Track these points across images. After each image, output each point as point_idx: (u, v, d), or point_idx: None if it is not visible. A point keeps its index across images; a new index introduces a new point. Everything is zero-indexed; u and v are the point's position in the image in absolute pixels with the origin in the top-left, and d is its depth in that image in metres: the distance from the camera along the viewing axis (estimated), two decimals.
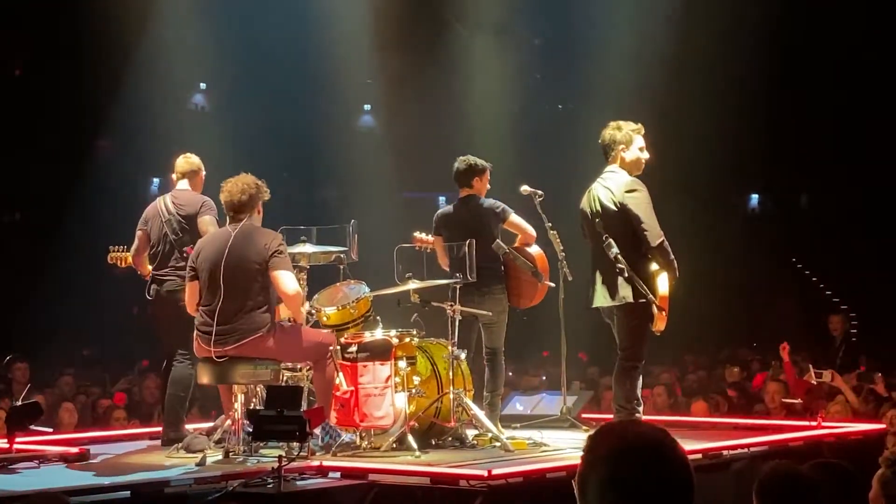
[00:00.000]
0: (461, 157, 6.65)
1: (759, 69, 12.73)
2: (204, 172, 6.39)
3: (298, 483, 5.17)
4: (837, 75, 13.10)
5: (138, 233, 6.39)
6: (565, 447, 5.88)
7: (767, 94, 12.63)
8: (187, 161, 6.36)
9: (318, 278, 6.60)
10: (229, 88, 12.09)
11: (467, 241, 6.19)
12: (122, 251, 6.56)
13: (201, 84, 12.54)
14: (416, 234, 6.56)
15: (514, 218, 6.52)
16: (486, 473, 5.02)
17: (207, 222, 6.03)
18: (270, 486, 4.85)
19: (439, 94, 11.69)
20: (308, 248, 6.32)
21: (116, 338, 11.04)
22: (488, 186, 6.60)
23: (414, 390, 6.08)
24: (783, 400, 8.28)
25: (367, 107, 13.16)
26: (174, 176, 6.49)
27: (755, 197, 16.43)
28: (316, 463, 5.45)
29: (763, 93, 12.56)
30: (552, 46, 11.91)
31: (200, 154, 6.52)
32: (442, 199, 10.95)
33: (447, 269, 6.53)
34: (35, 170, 12.29)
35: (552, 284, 6.54)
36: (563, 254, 6.55)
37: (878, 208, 13.63)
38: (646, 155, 5.87)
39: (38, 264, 11.80)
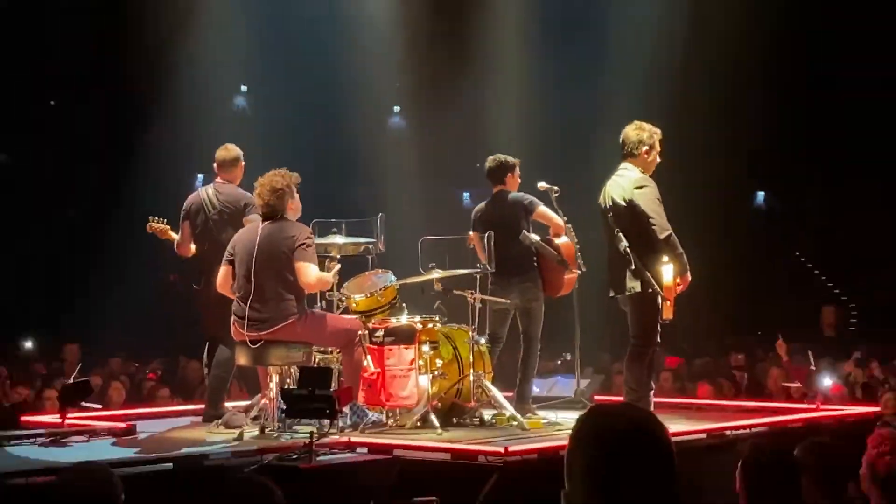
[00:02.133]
0: (491, 156, 6.70)
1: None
2: (243, 163, 6.26)
3: (328, 458, 5.22)
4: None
5: (182, 225, 6.39)
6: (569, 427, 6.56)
7: (775, 97, 12.13)
8: (227, 150, 6.32)
9: (348, 269, 6.58)
10: (269, 91, 12.16)
11: (487, 234, 6.29)
12: (163, 223, 6.34)
13: (242, 87, 12.64)
14: None
15: (542, 209, 6.49)
16: (502, 450, 5.10)
17: (252, 220, 6.03)
18: (302, 460, 4.91)
19: (465, 96, 11.62)
20: (339, 239, 6.35)
21: (161, 323, 11.11)
22: (519, 181, 6.65)
23: (436, 372, 6.20)
24: (783, 384, 8.14)
25: (396, 108, 13.01)
26: (215, 165, 6.48)
27: (761, 194, 15.83)
28: (344, 439, 5.55)
29: (771, 95, 12.07)
30: (570, 52, 11.44)
31: (251, 161, 6.44)
32: (466, 195, 11.09)
33: (486, 263, 6.44)
34: (86, 168, 12.48)
35: (579, 272, 6.33)
36: (578, 246, 6.47)
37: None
38: (658, 158, 6.05)
39: (93, 255, 11.72)
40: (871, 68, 12.30)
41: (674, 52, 10.97)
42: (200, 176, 10.72)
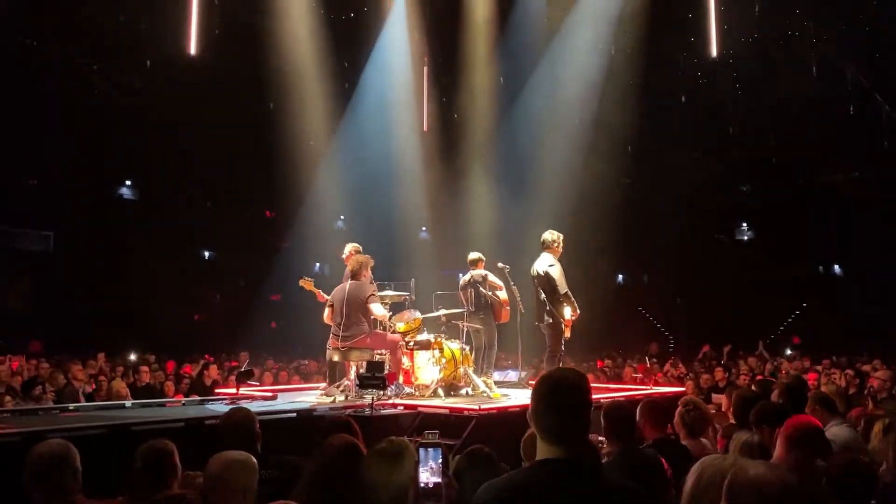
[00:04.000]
0: (471, 252, 8.74)
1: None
2: (364, 261, 7.86)
3: (382, 412, 6.75)
4: None
5: (328, 303, 7.87)
6: (520, 398, 7.60)
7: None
8: (355, 259, 7.91)
9: (395, 309, 8.43)
10: (353, 217, 15.76)
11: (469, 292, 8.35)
12: (308, 281, 8.35)
13: (341, 216, 16.55)
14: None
15: (492, 279, 8.45)
16: (478, 408, 6.62)
17: (373, 307, 7.61)
18: (368, 412, 6.49)
19: (463, 213, 14.88)
20: (389, 292, 8.17)
21: (294, 338, 13.92)
22: (483, 265, 8.66)
23: (442, 366, 7.84)
24: (632, 375, 11.14)
25: (423, 228, 17.07)
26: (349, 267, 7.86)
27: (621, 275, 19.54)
28: (391, 402, 7.09)
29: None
30: (516, 182, 14.66)
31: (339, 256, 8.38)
32: (461, 274, 14.69)
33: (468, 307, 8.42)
34: (243, 258, 16.72)
35: (509, 311, 8.49)
36: (519, 296, 8.54)
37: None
38: (561, 250, 8.06)
39: (255, 300, 15.53)
40: None
41: (567, 192, 13.83)
42: (318, 264, 15.02)
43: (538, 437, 2.23)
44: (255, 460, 3.24)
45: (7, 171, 13.39)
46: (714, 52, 12.25)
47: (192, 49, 12.03)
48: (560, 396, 2.21)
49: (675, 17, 13.42)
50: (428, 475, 2.28)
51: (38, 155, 13.67)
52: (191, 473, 3.50)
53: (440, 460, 2.29)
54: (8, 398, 7.35)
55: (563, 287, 7.74)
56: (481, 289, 8.17)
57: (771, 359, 11.98)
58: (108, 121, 13.59)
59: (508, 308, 8.25)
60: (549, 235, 8.04)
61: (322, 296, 8.13)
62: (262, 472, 3.30)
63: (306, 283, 8.28)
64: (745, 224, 18.25)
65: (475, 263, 8.39)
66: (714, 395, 9.08)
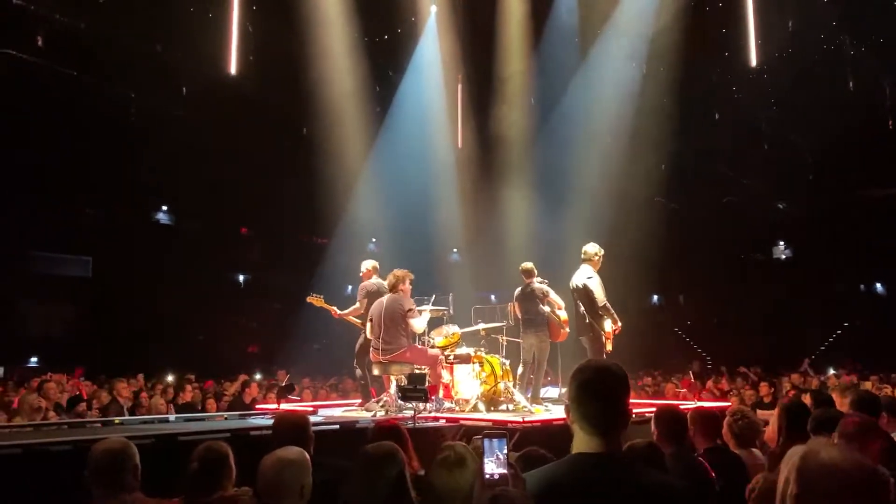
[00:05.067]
0: (523, 264, 8.61)
1: None
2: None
3: (424, 424, 6.67)
4: None
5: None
6: (562, 413, 8.56)
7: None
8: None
9: (433, 323, 8.48)
10: (386, 238, 15.83)
11: (509, 304, 8.38)
12: (318, 298, 8.34)
13: (373, 238, 16.56)
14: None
15: (552, 297, 8.34)
16: (521, 420, 6.58)
17: (413, 321, 7.61)
18: (410, 425, 6.32)
19: (495, 234, 14.76)
20: (428, 307, 8.15)
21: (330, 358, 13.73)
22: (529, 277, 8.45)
23: (482, 380, 7.83)
24: (676, 391, 11.09)
25: (454, 250, 17.22)
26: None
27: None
28: (433, 415, 7.05)
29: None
30: (551, 198, 14.65)
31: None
32: (493, 296, 13.67)
33: (513, 321, 8.44)
34: (278, 280, 16.90)
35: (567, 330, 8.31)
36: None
37: None
38: (601, 262, 7.95)
39: (293, 317, 14.76)
40: None
41: (602, 209, 13.74)
42: (349, 286, 14.64)
43: (576, 428, 2.22)
44: (308, 457, 3.26)
45: (48, 198, 13.81)
46: (753, 62, 12.11)
47: (233, 69, 12.36)
48: (602, 384, 2.19)
49: (709, 33, 13.44)
50: (493, 466, 2.23)
51: (78, 183, 14.03)
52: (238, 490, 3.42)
53: (505, 451, 2.23)
54: (53, 414, 7.40)
55: (602, 299, 7.69)
56: (540, 305, 8.12)
57: (815, 376, 11.71)
58: (145, 147, 13.97)
59: (566, 330, 8.22)
60: (591, 248, 7.99)
61: (335, 311, 8.24)
62: (314, 476, 3.30)
63: (315, 300, 8.31)
64: (782, 242, 17.86)
65: (528, 273, 8.36)
66: (759, 411, 8.83)
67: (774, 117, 14.57)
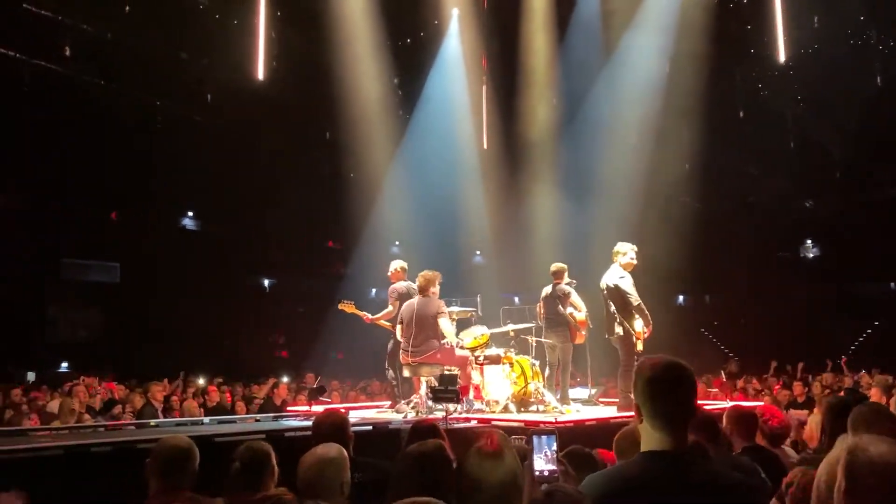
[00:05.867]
0: (553, 264, 8.58)
1: None
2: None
3: (455, 425, 6.65)
4: None
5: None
6: (592, 414, 7.59)
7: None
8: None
9: (462, 325, 8.55)
10: (409, 241, 15.75)
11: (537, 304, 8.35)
12: (349, 304, 8.43)
13: (396, 241, 16.51)
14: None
15: (573, 298, 8.36)
16: (554, 420, 6.59)
17: (442, 323, 7.62)
18: (443, 426, 5.53)
19: (519, 235, 14.69)
20: (455, 308, 8.20)
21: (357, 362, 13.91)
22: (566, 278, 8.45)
23: (512, 380, 7.80)
24: (707, 390, 11.01)
25: (477, 252, 17.22)
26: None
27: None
28: (463, 416, 7.06)
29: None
30: (577, 197, 14.44)
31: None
32: (516, 298, 13.50)
33: (540, 321, 8.43)
34: (303, 285, 17.25)
35: (585, 332, 8.37)
36: (588, 314, 8.36)
37: None
38: (634, 262, 7.87)
39: (318, 322, 14.91)
40: None
41: (639, 194, 13.78)
42: (374, 290, 15.02)
43: (644, 426, 2.20)
44: (346, 455, 3.28)
45: (76, 206, 14.06)
46: (781, 58, 11.97)
47: (260, 75, 12.47)
48: (672, 381, 2.19)
49: (735, 29, 13.17)
50: (543, 462, 2.24)
51: (105, 190, 14.30)
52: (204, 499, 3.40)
53: (554, 448, 2.25)
54: (87, 416, 7.51)
55: (635, 298, 7.61)
56: (560, 306, 8.14)
57: (850, 374, 11.53)
58: (171, 154, 14.12)
59: (584, 333, 8.26)
60: (622, 247, 7.91)
61: (367, 316, 8.29)
62: (355, 475, 3.31)
63: (346, 307, 8.39)
64: (809, 241, 17.61)
65: (558, 275, 8.38)
66: (793, 411, 8.75)
67: (801, 114, 14.35)
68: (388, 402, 8.50)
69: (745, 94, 14.45)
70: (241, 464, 3.46)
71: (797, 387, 9.98)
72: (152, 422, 7.15)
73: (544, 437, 2.28)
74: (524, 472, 2.31)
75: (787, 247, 17.88)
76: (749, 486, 2.20)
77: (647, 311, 7.61)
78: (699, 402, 9.00)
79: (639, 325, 7.61)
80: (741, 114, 14.65)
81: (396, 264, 8.54)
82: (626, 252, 7.85)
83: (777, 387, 9.97)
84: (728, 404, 8.18)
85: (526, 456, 2.31)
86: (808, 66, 13.34)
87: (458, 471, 2.82)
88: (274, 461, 3.50)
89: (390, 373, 8.26)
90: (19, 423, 7.16)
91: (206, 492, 3.52)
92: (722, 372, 11.40)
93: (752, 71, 13.89)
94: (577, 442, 6.08)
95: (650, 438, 2.17)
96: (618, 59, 13.57)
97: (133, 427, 7.00)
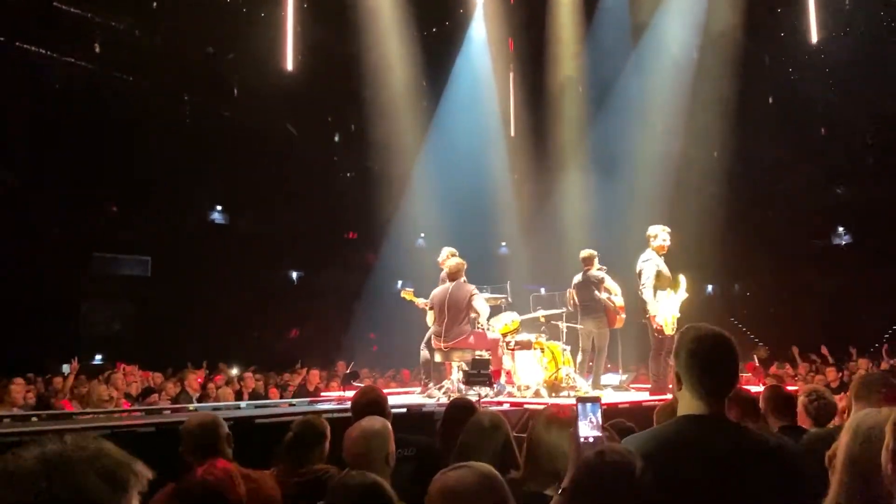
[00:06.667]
0: (583, 250, 8.69)
1: None
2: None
3: (489, 409, 6.27)
4: None
5: (428, 306, 8.13)
6: (620, 397, 7.65)
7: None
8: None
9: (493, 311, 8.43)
10: (434, 233, 15.44)
11: (567, 291, 8.46)
12: (409, 291, 8.69)
13: (421, 233, 16.53)
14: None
15: (608, 283, 8.46)
16: None
17: (477, 304, 7.78)
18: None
19: (546, 225, 14.72)
20: (487, 294, 8.30)
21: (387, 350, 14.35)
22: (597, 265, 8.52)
23: (544, 365, 7.94)
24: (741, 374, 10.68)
25: (503, 243, 17.25)
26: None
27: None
28: (496, 400, 7.21)
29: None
30: (607, 184, 14.44)
31: (426, 274, 9.05)
32: (542, 289, 13.04)
33: (571, 307, 8.55)
34: (330, 277, 17.00)
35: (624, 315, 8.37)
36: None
37: None
38: (667, 244, 7.90)
39: (346, 314, 15.73)
40: None
41: (667, 182, 13.65)
42: (399, 282, 15.10)
43: (683, 392, 2.26)
44: (390, 427, 3.36)
45: (107, 201, 14.57)
46: (813, 39, 11.81)
47: (289, 66, 12.66)
48: (716, 350, 2.23)
49: (764, 13, 13.07)
50: (588, 429, 2.29)
51: (135, 185, 14.54)
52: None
53: (598, 414, 2.31)
54: (125, 402, 7.71)
55: (646, 283, 7.65)
56: (596, 292, 8.19)
57: (889, 360, 11.42)
58: (199, 148, 14.36)
59: (623, 316, 8.27)
60: (651, 230, 7.98)
61: (424, 303, 8.47)
62: (399, 451, 3.38)
63: (407, 294, 8.61)
64: (841, 228, 17.34)
65: (588, 261, 8.44)
66: None
67: (832, 99, 14.13)
68: (419, 388, 8.64)
69: (774, 79, 14.17)
70: (295, 435, 3.61)
71: (830, 372, 9.89)
72: (191, 406, 7.25)
73: (589, 405, 2.35)
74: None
75: (819, 235, 17.55)
76: (790, 451, 2.23)
77: (651, 302, 7.72)
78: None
79: (650, 308, 7.70)
80: (770, 99, 14.33)
81: (447, 250, 8.71)
82: (657, 234, 7.87)
83: (831, 372, 9.83)
84: (760, 388, 8.20)
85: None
86: (840, 49, 13.07)
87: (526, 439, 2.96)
88: (327, 441, 3.67)
89: (425, 353, 8.40)
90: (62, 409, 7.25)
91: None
92: (755, 357, 11.24)
93: (783, 55, 13.60)
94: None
95: (688, 404, 2.23)
96: (646, 44, 13.46)
97: (169, 412, 7.19)
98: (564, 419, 2.75)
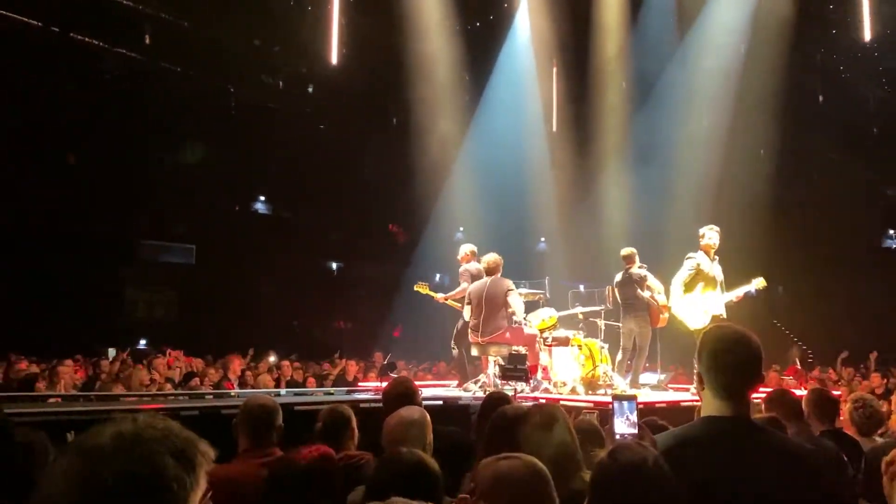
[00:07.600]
0: (624, 248, 8.66)
1: None
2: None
3: (524, 404, 6.10)
4: None
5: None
6: (658, 397, 7.53)
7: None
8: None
9: (529, 307, 8.47)
10: (473, 227, 15.72)
11: (607, 288, 8.42)
12: (423, 285, 8.68)
13: (460, 227, 16.54)
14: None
15: (650, 281, 8.39)
16: None
17: (512, 300, 7.71)
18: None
19: (587, 221, 14.58)
20: (524, 290, 8.30)
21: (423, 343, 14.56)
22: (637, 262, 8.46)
23: (581, 363, 7.89)
24: (780, 378, 11.07)
25: (542, 239, 17.21)
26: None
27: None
28: (532, 395, 7.14)
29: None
30: (650, 181, 14.11)
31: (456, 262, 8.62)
32: (581, 286, 13.16)
33: (612, 305, 8.49)
34: (370, 269, 17.48)
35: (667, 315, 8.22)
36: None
37: None
38: (714, 243, 7.83)
39: (384, 305, 15.63)
40: None
41: (711, 180, 13.50)
42: (438, 275, 15.32)
43: (706, 393, 2.26)
44: (428, 416, 3.41)
45: (153, 190, 14.64)
46: (867, 37, 11.50)
47: (334, 60, 12.80)
48: (737, 351, 2.22)
49: (815, 8, 12.87)
50: (624, 426, 2.32)
51: (181, 174, 14.87)
52: None
53: (634, 413, 2.33)
54: (168, 386, 7.92)
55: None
56: (639, 290, 8.16)
57: None
58: (243, 139, 14.59)
59: (666, 315, 8.18)
60: (700, 230, 7.95)
61: (439, 297, 8.56)
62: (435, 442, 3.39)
63: (421, 288, 8.67)
64: (892, 231, 16.88)
65: (629, 259, 8.41)
66: None
67: (885, 97, 13.75)
68: (456, 382, 8.65)
69: (825, 76, 13.83)
70: (324, 425, 3.62)
71: (875, 378, 9.69)
72: (232, 391, 7.41)
73: (625, 403, 2.37)
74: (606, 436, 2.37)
75: (869, 236, 17.07)
76: (810, 454, 2.23)
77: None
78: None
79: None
80: (821, 97, 13.99)
81: (466, 248, 8.72)
82: (705, 233, 7.86)
83: (876, 377, 9.67)
84: (802, 392, 8.06)
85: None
86: (894, 47, 12.70)
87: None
88: (354, 424, 3.70)
89: (455, 351, 8.42)
90: (109, 391, 7.50)
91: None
92: (797, 360, 11.07)
93: (834, 52, 13.27)
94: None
95: (710, 405, 2.23)
96: (692, 39, 13.22)
97: (211, 397, 7.34)
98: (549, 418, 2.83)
